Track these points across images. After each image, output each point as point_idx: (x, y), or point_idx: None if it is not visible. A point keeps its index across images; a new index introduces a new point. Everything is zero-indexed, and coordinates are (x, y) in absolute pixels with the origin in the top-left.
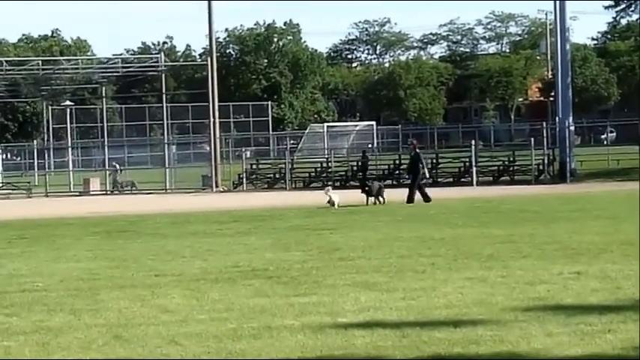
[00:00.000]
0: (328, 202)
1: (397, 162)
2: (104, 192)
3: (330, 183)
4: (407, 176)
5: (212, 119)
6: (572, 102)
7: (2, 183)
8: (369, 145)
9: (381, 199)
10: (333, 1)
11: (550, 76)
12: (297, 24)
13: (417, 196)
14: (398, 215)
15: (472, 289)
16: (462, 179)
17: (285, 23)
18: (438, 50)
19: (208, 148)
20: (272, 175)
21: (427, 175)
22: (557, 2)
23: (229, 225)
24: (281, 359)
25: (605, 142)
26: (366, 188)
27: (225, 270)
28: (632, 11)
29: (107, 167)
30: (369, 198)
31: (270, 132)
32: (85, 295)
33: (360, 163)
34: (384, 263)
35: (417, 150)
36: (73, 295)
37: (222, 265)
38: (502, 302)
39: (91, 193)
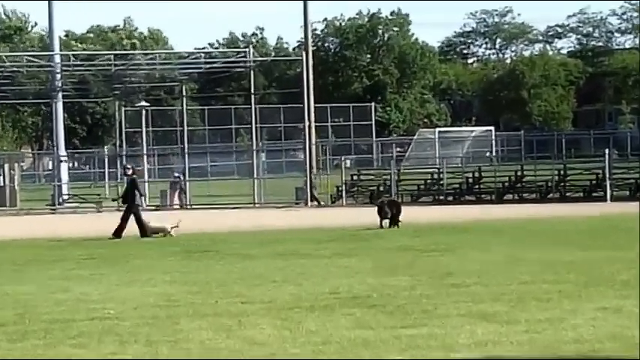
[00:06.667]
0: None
1: (519, 174)
2: (183, 206)
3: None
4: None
5: (307, 123)
6: None
7: (69, 195)
8: (487, 154)
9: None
10: None
11: None
12: (406, 14)
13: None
14: (519, 234)
15: (605, 321)
16: (594, 193)
17: (391, 13)
18: (566, 44)
19: (303, 157)
20: (375, 188)
21: (144, 204)
22: None
23: (326, 245)
24: None
25: None
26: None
27: (322, 297)
28: None
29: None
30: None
31: (374, 138)
32: (163, 325)
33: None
34: (504, 290)
35: (134, 176)
36: (149, 324)
37: (319, 291)
38: None
39: (169, 206)
